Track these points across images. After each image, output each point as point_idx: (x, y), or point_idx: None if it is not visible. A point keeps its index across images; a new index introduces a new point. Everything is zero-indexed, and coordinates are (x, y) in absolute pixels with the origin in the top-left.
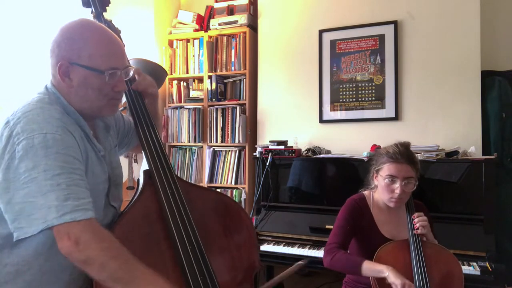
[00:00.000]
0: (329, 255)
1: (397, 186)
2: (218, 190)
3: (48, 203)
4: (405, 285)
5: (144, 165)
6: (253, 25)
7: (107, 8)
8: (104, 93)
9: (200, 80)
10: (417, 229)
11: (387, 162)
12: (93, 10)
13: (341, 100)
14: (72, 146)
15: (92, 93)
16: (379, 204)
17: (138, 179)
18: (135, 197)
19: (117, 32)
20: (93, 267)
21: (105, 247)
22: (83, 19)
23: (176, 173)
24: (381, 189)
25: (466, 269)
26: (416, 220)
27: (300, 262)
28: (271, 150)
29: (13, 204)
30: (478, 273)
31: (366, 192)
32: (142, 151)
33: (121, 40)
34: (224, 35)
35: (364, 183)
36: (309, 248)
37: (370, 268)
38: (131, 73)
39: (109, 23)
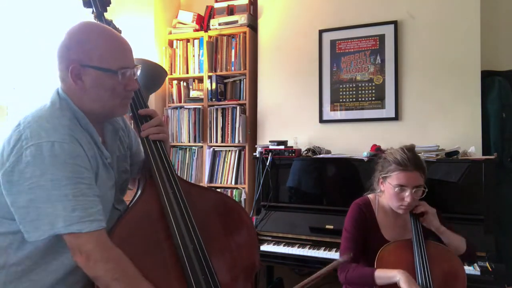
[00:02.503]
0: (343, 272)
1: (407, 194)
2: (218, 190)
3: (56, 212)
4: None
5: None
6: (253, 25)
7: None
8: (117, 93)
9: (200, 80)
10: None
11: (396, 171)
12: (94, 10)
13: (341, 100)
14: (80, 155)
15: (105, 93)
16: (385, 208)
17: (137, 179)
18: (136, 197)
19: (118, 32)
20: (100, 284)
21: (110, 268)
22: (86, 21)
23: (177, 173)
24: (390, 197)
25: (466, 269)
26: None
27: (339, 260)
28: (271, 150)
29: (16, 207)
30: (478, 273)
31: (371, 196)
32: (143, 151)
33: None
34: (224, 35)
35: (369, 186)
36: (309, 248)
37: (382, 276)
38: (138, 72)
39: (110, 23)
